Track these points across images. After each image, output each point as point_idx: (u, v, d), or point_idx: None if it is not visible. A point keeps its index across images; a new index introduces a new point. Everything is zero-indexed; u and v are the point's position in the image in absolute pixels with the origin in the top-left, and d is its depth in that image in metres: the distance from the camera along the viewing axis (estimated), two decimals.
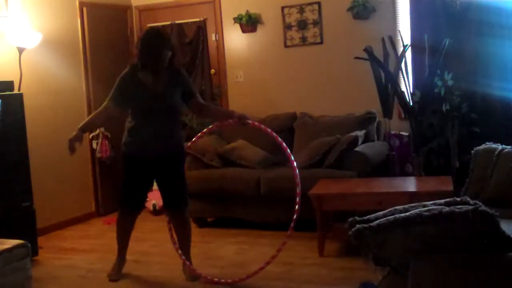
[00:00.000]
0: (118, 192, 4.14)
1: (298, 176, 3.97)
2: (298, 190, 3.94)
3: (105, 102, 3.90)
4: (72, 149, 3.82)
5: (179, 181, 4.01)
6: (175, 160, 3.96)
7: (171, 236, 4.06)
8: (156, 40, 3.77)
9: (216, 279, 3.91)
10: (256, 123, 4.15)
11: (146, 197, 4.16)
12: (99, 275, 4.22)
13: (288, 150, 4.11)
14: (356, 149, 4.92)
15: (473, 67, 5.20)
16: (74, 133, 3.83)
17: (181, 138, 4.06)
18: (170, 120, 3.87)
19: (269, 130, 4.13)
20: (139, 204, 4.07)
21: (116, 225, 4.14)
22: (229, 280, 3.90)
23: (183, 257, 3.98)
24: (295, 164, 4.02)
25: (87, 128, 3.97)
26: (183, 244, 4.04)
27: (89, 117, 3.95)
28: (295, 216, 3.95)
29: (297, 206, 3.97)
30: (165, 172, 3.93)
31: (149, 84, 3.78)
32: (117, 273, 4.06)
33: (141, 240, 4.85)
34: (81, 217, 5.92)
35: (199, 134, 4.34)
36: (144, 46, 3.75)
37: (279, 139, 4.08)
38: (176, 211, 4.04)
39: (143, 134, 3.85)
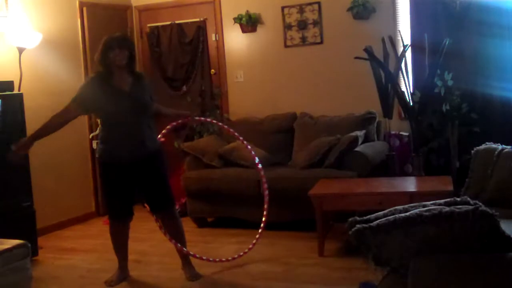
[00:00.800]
0: (104, 204, 4.11)
1: (263, 174, 4.34)
2: (265, 183, 4.30)
3: (67, 104, 3.78)
4: (14, 157, 3.69)
5: (161, 183, 3.90)
6: (153, 162, 3.85)
7: (164, 233, 4.05)
8: (106, 42, 3.72)
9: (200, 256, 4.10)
10: (202, 118, 4.35)
11: (133, 204, 3.98)
12: (99, 275, 4.21)
13: (249, 147, 4.50)
14: (356, 149, 4.92)
15: (473, 67, 5.20)
16: (24, 139, 3.75)
17: (156, 139, 3.95)
18: (142, 121, 3.78)
19: (225, 127, 4.62)
20: (126, 213, 3.93)
21: (110, 237, 4.00)
22: (210, 259, 4.13)
23: (178, 245, 3.97)
24: (257, 159, 4.37)
25: (40, 136, 3.78)
26: (180, 244, 3.99)
27: (43, 124, 3.77)
28: (264, 217, 4.30)
29: (266, 205, 4.31)
30: (146, 176, 3.84)
31: (116, 84, 3.72)
32: (115, 283, 3.94)
33: (141, 240, 4.85)
34: (81, 217, 5.92)
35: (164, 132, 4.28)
36: (99, 52, 3.73)
37: (236, 134, 4.49)
38: (164, 213, 3.97)
39: (116, 139, 3.77)
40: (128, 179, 3.82)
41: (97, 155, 3.95)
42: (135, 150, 3.76)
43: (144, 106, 3.81)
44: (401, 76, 5.15)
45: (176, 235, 3.99)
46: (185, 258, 4.02)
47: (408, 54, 5.32)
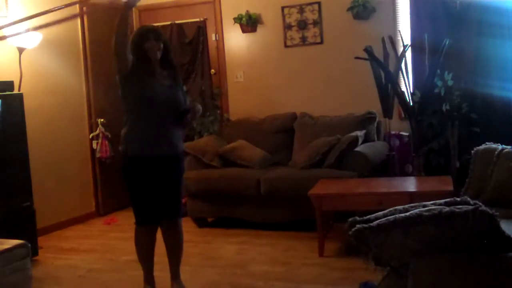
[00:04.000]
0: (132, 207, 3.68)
1: None
2: None
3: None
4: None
5: (174, 188, 3.60)
6: (174, 164, 3.58)
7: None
8: (141, 33, 3.55)
9: None
10: None
11: (160, 208, 3.59)
12: (99, 275, 4.22)
13: None
14: (356, 149, 4.92)
15: (473, 67, 5.20)
16: None
17: (181, 141, 3.68)
18: (171, 118, 3.53)
19: None
20: (153, 217, 3.57)
21: (135, 245, 3.68)
22: None
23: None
24: None
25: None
26: (174, 258, 3.71)
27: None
28: None
29: None
30: (163, 176, 3.52)
31: (154, 74, 3.50)
32: None
33: None
34: (81, 217, 5.92)
35: None
36: (132, 43, 3.52)
37: None
38: (168, 222, 3.65)
39: (145, 132, 3.47)
40: (153, 176, 3.49)
41: (122, 150, 3.58)
42: (161, 146, 3.48)
43: (178, 103, 3.55)
44: (401, 76, 5.15)
45: (172, 249, 3.70)
46: (175, 274, 3.75)
47: (408, 54, 5.32)
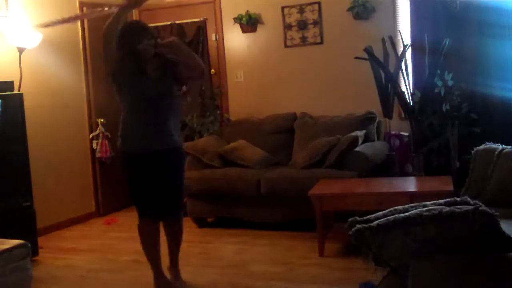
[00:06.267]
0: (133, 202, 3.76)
1: None
2: None
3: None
4: None
5: (175, 183, 3.67)
6: (173, 157, 3.63)
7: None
8: (132, 34, 3.51)
9: None
10: None
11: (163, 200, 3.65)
12: (99, 275, 4.22)
13: None
14: (356, 149, 4.92)
15: (473, 67, 5.20)
16: None
17: (180, 134, 3.73)
18: (167, 108, 3.55)
19: None
20: (157, 209, 3.62)
21: (141, 240, 3.74)
22: None
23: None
24: None
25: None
26: (174, 251, 3.82)
27: None
28: None
29: None
30: (162, 171, 3.57)
31: (144, 68, 3.52)
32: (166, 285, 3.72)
33: None
34: (81, 217, 5.92)
35: None
36: (123, 41, 3.50)
37: None
38: (172, 217, 3.76)
39: (140, 127, 3.54)
40: (153, 170, 3.54)
41: (119, 146, 3.67)
42: (159, 139, 3.52)
43: (167, 95, 3.57)
44: (401, 76, 5.15)
45: (173, 244, 3.80)
46: (174, 261, 3.83)
47: (408, 54, 5.32)
